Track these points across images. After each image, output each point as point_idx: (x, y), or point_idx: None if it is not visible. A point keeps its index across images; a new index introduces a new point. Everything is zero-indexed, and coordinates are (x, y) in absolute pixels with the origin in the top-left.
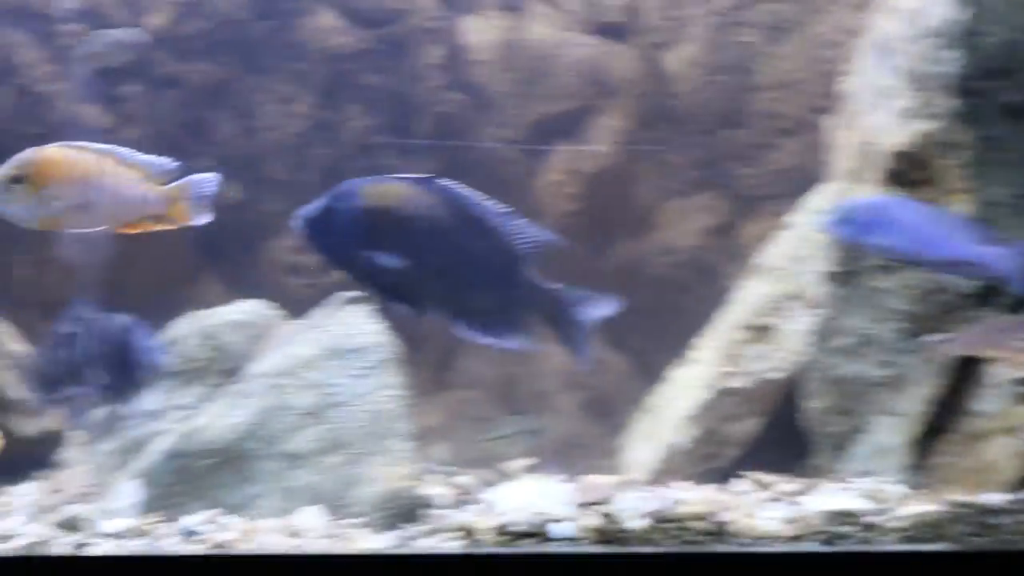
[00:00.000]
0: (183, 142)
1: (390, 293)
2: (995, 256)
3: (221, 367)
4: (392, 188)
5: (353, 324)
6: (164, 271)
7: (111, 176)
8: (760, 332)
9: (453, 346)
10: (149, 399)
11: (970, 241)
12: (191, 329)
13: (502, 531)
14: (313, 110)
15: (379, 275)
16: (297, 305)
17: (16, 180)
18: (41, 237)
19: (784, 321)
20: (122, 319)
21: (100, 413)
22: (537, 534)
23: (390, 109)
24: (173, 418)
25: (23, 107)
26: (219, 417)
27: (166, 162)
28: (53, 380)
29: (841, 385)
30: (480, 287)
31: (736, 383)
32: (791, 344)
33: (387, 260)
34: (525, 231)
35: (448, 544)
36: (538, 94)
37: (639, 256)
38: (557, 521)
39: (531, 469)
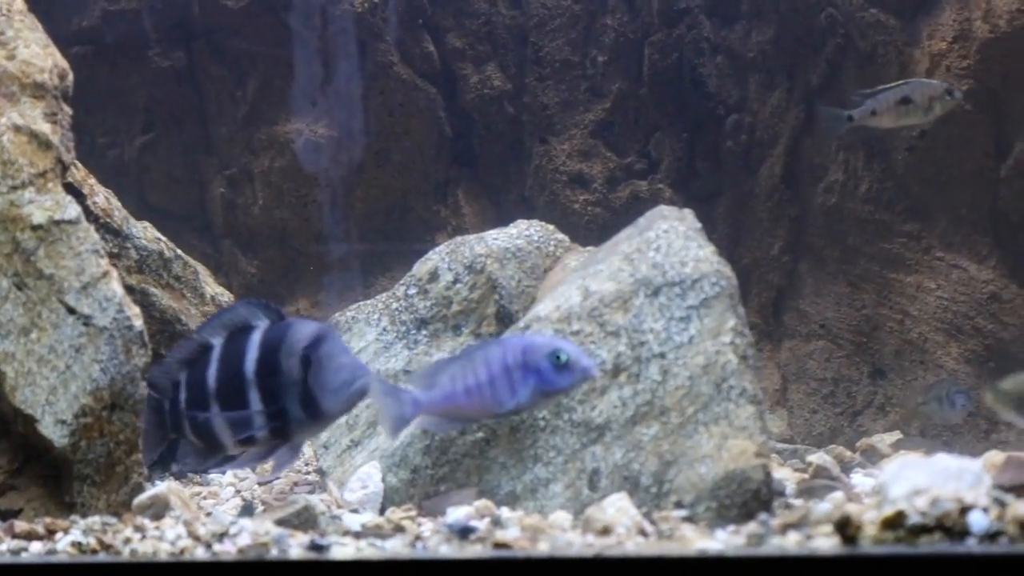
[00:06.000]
0: None
1: None
2: None
3: (490, 311)
4: None
5: (673, 248)
6: (409, 183)
7: None
8: None
9: (788, 283)
10: (391, 355)
11: None
12: (449, 261)
13: (894, 524)
14: None
15: None
16: (585, 228)
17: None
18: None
19: None
20: (303, 329)
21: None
22: (946, 529)
23: None
24: None
25: None
26: None
27: None
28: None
29: None
30: None
31: None
32: None
33: None
34: None
35: (817, 544)
36: None
37: None
38: (969, 509)
39: (902, 444)
